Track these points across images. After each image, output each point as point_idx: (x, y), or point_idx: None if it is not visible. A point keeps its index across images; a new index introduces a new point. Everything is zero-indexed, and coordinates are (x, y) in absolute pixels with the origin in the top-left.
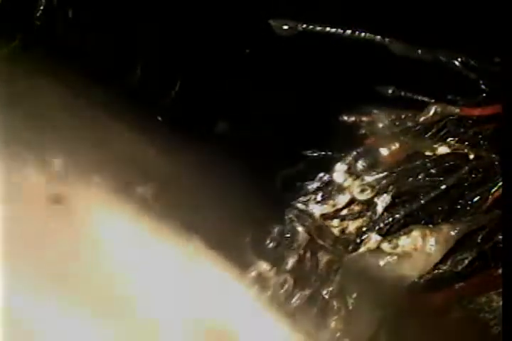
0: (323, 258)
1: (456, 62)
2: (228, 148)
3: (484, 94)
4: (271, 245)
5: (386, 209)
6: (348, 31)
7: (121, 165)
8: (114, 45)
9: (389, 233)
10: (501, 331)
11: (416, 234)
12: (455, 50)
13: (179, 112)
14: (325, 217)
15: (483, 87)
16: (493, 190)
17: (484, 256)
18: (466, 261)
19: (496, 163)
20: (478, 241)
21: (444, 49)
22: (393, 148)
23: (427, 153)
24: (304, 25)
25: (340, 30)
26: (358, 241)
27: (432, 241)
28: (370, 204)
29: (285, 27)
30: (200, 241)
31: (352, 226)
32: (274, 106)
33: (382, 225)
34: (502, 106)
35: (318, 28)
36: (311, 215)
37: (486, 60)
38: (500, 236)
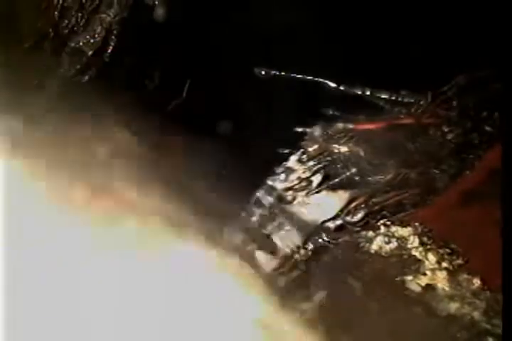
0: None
1: (368, 93)
2: (229, 149)
3: (384, 116)
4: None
5: (318, 184)
6: (299, 75)
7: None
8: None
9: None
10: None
11: (326, 194)
12: (373, 86)
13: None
14: (284, 189)
15: (385, 110)
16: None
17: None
18: (359, 216)
19: (362, 154)
20: (368, 203)
21: (364, 86)
22: (315, 147)
23: (335, 151)
24: (273, 72)
25: (296, 75)
26: (298, 201)
27: (332, 198)
28: (309, 181)
29: (263, 72)
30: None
31: (299, 195)
32: (261, 117)
33: (314, 193)
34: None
35: (283, 74)
36: (275, 188)
37: (394, 92)
38: (374, 199)
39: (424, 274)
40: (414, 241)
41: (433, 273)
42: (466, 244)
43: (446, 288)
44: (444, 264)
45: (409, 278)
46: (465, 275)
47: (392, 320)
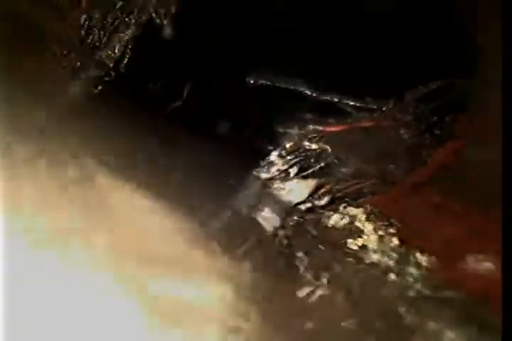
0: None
1: (336, 100)
2: (225, 147)
3: (349, 119)
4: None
5: (295, 175)
6: (283, 85)
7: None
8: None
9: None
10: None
11: (298, 182)
12: (342, 94)
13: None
14: (267, 179)
15: (352, 115)
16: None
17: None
18: (326, 200)
19: (330, 151)
20: (332, 190)
21: (335, 94)
22: (292, 144)
23: (308, 148)
24: (260, 81)
25: (280, 85)
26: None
27: (303, 185)
28: (287, 172)
29: (251, 81)
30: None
31: (280, 182)
32: (250, 119)
33: (290, 181)
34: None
35: (269, 83)
36: (260, 178)
37: (360, 100)
38: (338, 187)
39: (362, 237)
40: (362, 217)
41: (368, 237)
42: (403, 219)
43: (375, 247)
44: (380, 232)
45: (351, 241)
46: (388, 237)
47: (335, 266)
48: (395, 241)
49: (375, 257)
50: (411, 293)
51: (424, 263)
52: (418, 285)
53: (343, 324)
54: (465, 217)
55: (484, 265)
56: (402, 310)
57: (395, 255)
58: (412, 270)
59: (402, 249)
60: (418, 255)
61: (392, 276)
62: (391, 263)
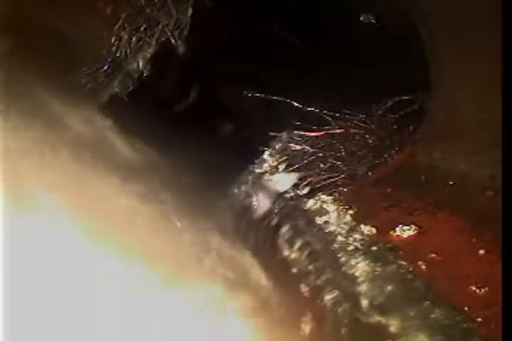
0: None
1: (317, 111)
2: (228, 148)
3: (326, 126)
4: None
5: (284, 169)
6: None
7: None
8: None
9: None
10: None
11: (284, 175)
12: (325, 106)
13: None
14: (260, 173)
15: (331, 123)
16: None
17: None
18: (306, 190)
19: (310, 151)
20: (312, 182)
21: (318, 105)
22: (281, 145)
23: (293, 149)
24: (257, 94)
25: (272, 97)
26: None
27: (288, 178)
28: (277, 168)
29: (249, 94)
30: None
31: (270, 175)
32: (248, 124)
33: (278, 174)
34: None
35: (263, 95)
36: (254, 172)
37: (338, 110)
38: (315, 180)
39: (326, 215)
40: (329, 202)
41: (331, 215)
42: (361, 204)
43: (334, 221)
44: (340, 212)
45: (318, 218)
46: (343, 215)
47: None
48: (348, 217)
49: (332, 228)
50: (350, 248)
51: (366, 232)
52: (357, 244)
53: (310, 266)
54: (402, 203)
55: (406, 232)
56: (344, 257)
57: (345, 226)
58: (356, 235)
59: (352, 223)
60: (362, 226)
61: (340, 238)
62: (342, 231)
